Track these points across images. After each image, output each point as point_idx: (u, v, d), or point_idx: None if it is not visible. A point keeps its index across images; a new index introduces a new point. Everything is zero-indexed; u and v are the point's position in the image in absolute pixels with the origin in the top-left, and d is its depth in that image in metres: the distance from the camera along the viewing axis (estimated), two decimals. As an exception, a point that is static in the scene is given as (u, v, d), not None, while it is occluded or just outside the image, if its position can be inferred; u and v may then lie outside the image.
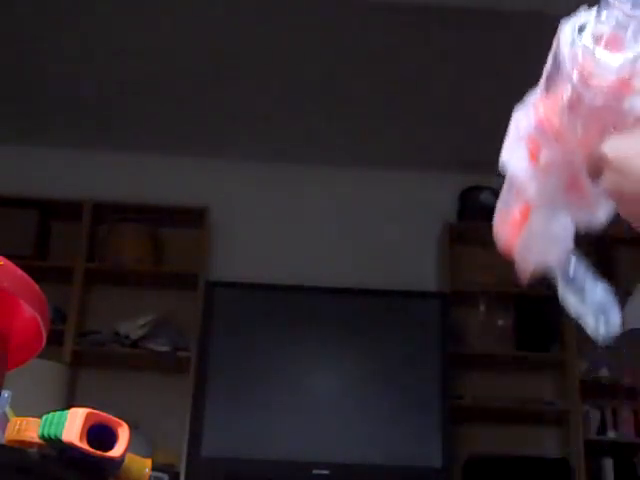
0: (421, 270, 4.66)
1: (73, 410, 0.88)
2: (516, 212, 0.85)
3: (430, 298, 4.45)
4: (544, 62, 0.80)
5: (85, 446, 0.86)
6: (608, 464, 4.25)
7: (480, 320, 4.53)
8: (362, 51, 3.96)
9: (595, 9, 0.74)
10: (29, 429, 0.92)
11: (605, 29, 0.71)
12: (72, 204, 4.54)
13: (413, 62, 4.01)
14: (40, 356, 1.06)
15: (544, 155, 0.79)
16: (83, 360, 4.32)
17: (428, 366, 4.24)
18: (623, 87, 0.71)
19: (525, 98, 0.85)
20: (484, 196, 4.66)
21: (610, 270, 4.53)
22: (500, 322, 4.53)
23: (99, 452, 0.87)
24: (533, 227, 0.83)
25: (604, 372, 4.32)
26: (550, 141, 0.77)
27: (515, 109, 0.84)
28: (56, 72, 4.21)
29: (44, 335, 0.98)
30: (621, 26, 0.71)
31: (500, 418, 4.38)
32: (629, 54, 0.71)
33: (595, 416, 4.28)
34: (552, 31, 0.78)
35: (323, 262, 4.64)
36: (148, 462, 0.99)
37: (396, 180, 4.87)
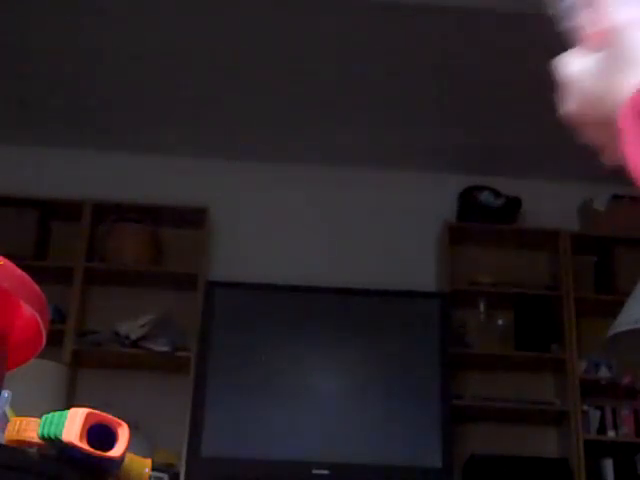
0: (421, 270, 4.66)
1: (73, 410, 0.88)
2: None
3: (430, 298, 4.45)
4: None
5: (85, 446, 0.86)
6: (608, 464, 4.25)
7: (480, 320, 4.53)
8: (362, 51, 3.96)
9: None
10: (29, 429, 0.92)
11: None
12: (72, 204, 4.54)
13: (413, 62, 4.01)
14: (40, 356, 1.06)
15: None
16: (83, 360, 4.32)
17: (428, 366, 4.24)
18: None
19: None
20: (484, 196, 4.66)
21: (610, 270, 4.53)
22: (500, 322, 4.53)
23: (99, 452, 0.87)
24: None
25: (604, 372, 4.32)
26: None
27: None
28: (56, 72, 4.21)
29: (44, 335, 0.98)
30: None
31: (500, 418, 4.38)
32: None
33: (595, 416, 4.28)
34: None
35: (323, 262, 4.65)
36: (148, 462, 0.99)
37: (396, 180, 4.87)
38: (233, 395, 4.16)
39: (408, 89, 4.23)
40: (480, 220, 4.63)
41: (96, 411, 0.89)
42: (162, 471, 3.84)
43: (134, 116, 4.56)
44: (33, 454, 0.89)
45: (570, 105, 0.73)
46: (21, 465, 0.85)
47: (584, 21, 0.73)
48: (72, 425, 0.86)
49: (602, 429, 4.27)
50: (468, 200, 4.69)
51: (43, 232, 4.57)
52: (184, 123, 4.62)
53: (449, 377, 4.25)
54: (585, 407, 4.26)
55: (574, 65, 0.73)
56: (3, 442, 0.94)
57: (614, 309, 3.09)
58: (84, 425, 0.87)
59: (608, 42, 0.71)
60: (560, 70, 0.74)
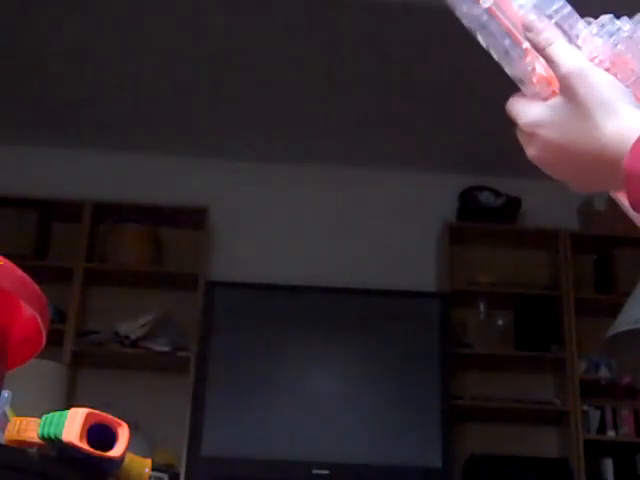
0: (421, 270, 4.66)
1: (73, 410, 0.88)
2: None
3: (430, 298, 4.45)
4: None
5: (85, 446, 0.86)
6: (608, 464, 4.25)
7: (480, 320, 4.53)
8: (362, 51, 3.96)
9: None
10: (29, 429, 0.92)
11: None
12: (72, 204, 4.54)
13: (413, 62, 4.01)
14: (40, 356, 1.06)
15: None
16: (83, 360, 4.32)
17: (428, 366, 4.24)
18: None
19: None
20: (484, 196, 4.66)
21: (610, 270, 4.53)
22: (500, 322, 4.53)
23: (99, 452, 0.87)
24: None
25: (604, 372, 4.32)
26: None
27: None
28: (56, 72, 4.21)
29: (44, 335, 0.98)
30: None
31: (500, 418, 4.38)
32: None
33: (595, 416, 4.28)
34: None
35: (323, 262, 4.64)
36: (148, 462, 0.99)
37: (396, 180, 4.87)
38: (233, 395, 4.16)
39: (408, 89, 4.23)
40: (480, 220, 4.63)
41: (96, 411, 0.89)
42: (162, 471, 3.84)
43: (134, 116, 4.56)
44: (33, 454, 0.89)
45: (532, 151, 0.74)
46: (21, 465, 0.85)
47: (532, 65, 0.74)
48: (72, 425, 0.86)
49: (602, 429, 4.27)
50: (468, 200, 4.69)
51: (43, 232, 4.57)
52: (184, 123, 4.62)
53: (449, 377, 4.25)
54: (585, 407, 4.26)
55: (530, 113, 0.73)
56: (3, 442, 0.93)
57: (614, 309, 3.10)
58: (84, 425, 0.86)
59: (563, 89, 0.71)
60: (516, 117, 0.75)
